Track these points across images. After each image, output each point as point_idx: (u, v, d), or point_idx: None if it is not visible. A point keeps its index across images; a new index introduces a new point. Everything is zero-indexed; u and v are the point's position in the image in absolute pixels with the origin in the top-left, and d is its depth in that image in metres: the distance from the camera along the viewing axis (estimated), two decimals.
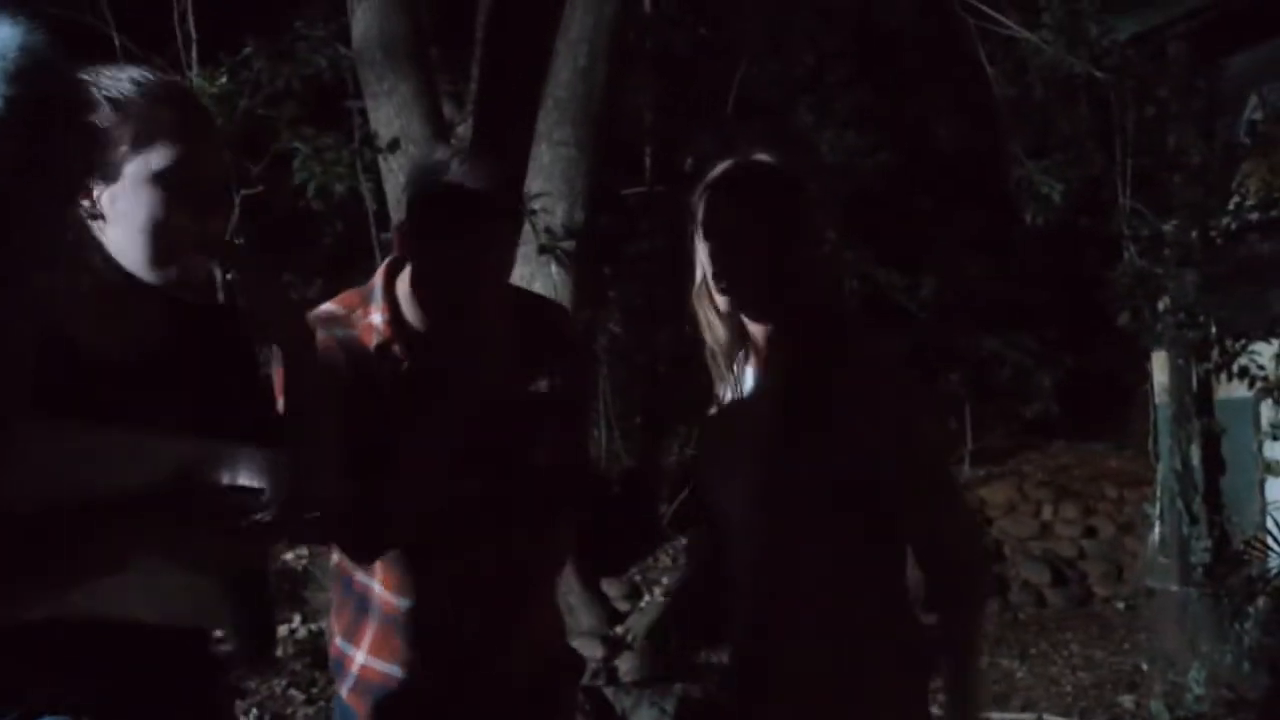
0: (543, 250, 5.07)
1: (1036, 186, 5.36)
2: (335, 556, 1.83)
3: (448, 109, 5.89)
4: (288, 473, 1.31)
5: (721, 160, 1.81)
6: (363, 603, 1.76)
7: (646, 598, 5.64)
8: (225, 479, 1.30)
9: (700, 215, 1.74)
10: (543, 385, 1.80)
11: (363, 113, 5.45)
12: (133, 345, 1.36)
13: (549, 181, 5.11)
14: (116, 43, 5.16)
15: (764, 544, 1.68)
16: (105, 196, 1.33)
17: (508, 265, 1.76)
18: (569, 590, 4.99)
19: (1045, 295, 8.17)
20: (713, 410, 1.82)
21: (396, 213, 4.99)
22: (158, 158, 1.33)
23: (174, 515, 1.26)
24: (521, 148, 5.30)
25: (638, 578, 5.61)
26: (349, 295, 1.77)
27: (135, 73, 1.36)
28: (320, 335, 1.66)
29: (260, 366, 1.53)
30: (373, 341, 1.71)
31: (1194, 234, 5.30)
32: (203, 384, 1.39)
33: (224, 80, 4.56)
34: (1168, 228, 5.27)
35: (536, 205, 5.10)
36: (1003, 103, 5.60)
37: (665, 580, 5.61)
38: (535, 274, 5.19)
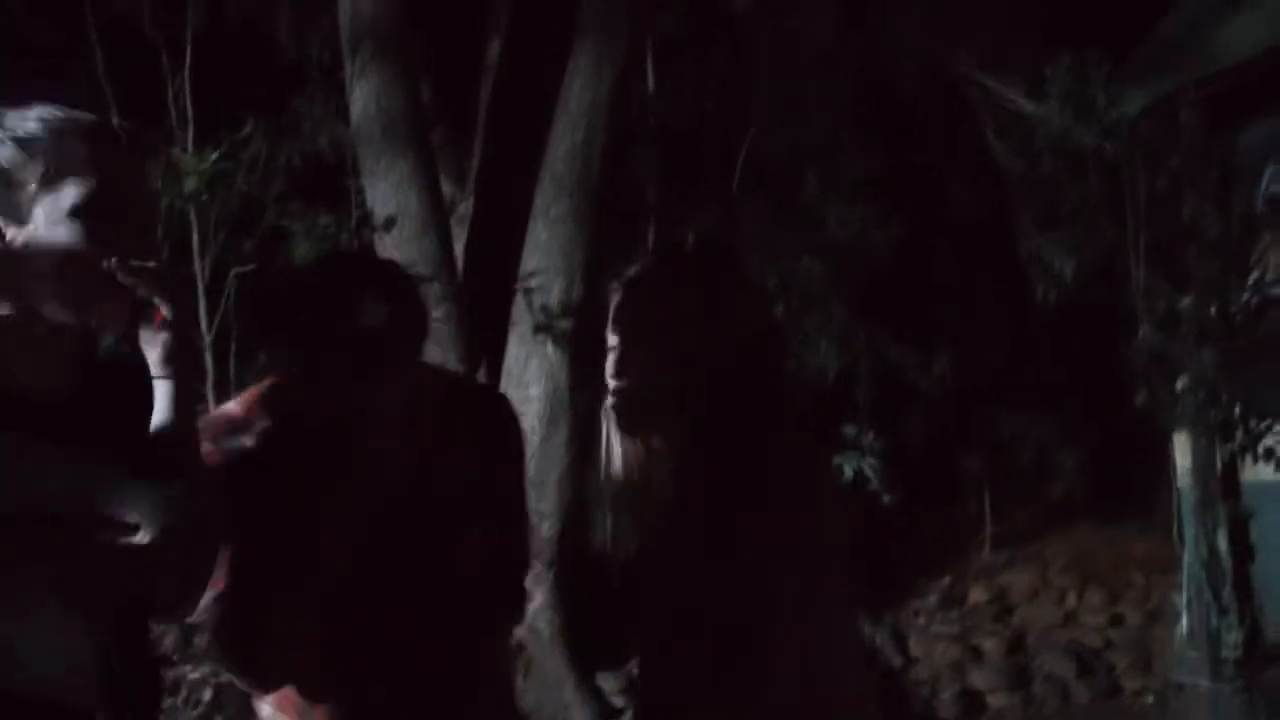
0: (538, 329, 4.97)
1: (1046, 261, 5.22)
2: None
3: (448, 187, 5.85)
4: (170, 510, 1.25)
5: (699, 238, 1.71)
6: None
7: None
8: (105, 508, 1.24)
9: (609, 313, 1.63)
10: (468, 477, 1.65)
11: (360, 191, 5.42)
12: (37, 390, 1.30)
13: (546, 258, 5.03)
14: (115, 121, 5.17)
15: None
16: (19, 239, 1.30)
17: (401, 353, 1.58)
18: (563, 684, 4.78)
19: (1065, 371, 7.98)
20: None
21: None
22: (69, 194, 1.30)
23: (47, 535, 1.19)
24: (521, 225, 5.24)
25: (635, 671, 5.36)
26: (246, 395, 1.68)
27: (43, 111, 1.34)
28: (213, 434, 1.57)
29: None
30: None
31: (1212, 309, 5.13)
32: (104, 436, 1.31)
33: (214, 158, 4.51)
34: (1185, 303, 5.10)
35: (533, 283, 5.02)
36: (1011, 175, 5.49)
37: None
38: (531, 354, 5.09)
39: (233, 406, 1.65)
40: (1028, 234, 5.44)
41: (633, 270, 1.64)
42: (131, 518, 1.25)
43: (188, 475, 1.33)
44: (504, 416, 1.77)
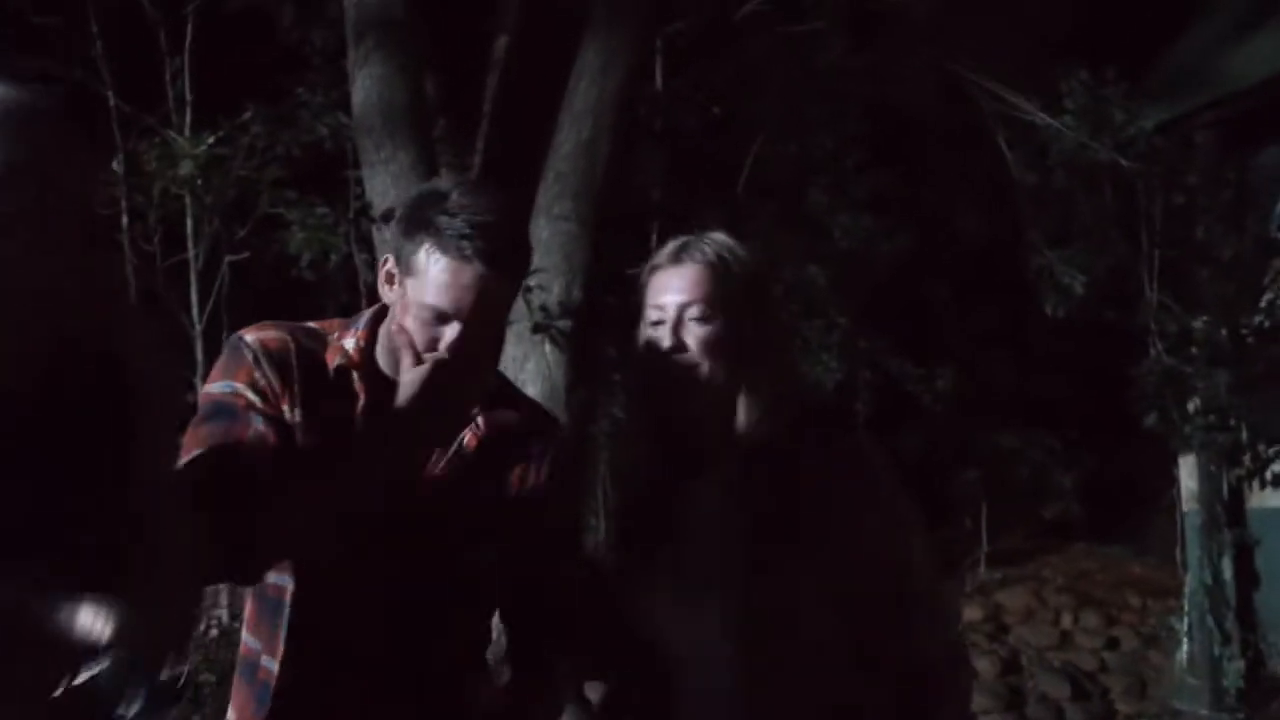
0: (537, 329, 4.86)
1: (1057, 276, 5.13)
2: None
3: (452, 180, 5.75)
4: (131, 626, 1.09)
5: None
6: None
7: None
8: (57, 625, 1.07)
9: (653, 295, 1.54)
10: (505, 482, 1.56)
11: (360, 182, 5.31)
12: None
13: (546, 257, 4.91)
14: (111, 103, 5.06)
15: (739, 679, 1.46)
16: None
17: (502, 324, 1.52)
18: None
19: (1066, 391, 7.90)
20: (644, 531, 1.57)
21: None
22: None
23: None
24: (523, 221, 5.14)
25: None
26: (333, 320, 1.60)
27: None
28: (274, 334, 1.52)
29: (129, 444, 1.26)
30: (334, 363, 1.52)
31: (1224, 331, 5.04)
32: (47, 475, 1.15)
33: (209, 143, 4.40)
34: (1197, 324, 5.02)
35: (533, 281, 4.90)
36: (1023, 189, 5.41)
37: None
38: (529, 353, 4.97)
39: (313, 323, 1.57)
40: (1037, 249, 5.35)
41: (664, 252, 1.56)
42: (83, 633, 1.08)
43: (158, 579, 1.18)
44: (559, 445, 1.67)
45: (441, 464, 1.53)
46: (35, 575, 1.09)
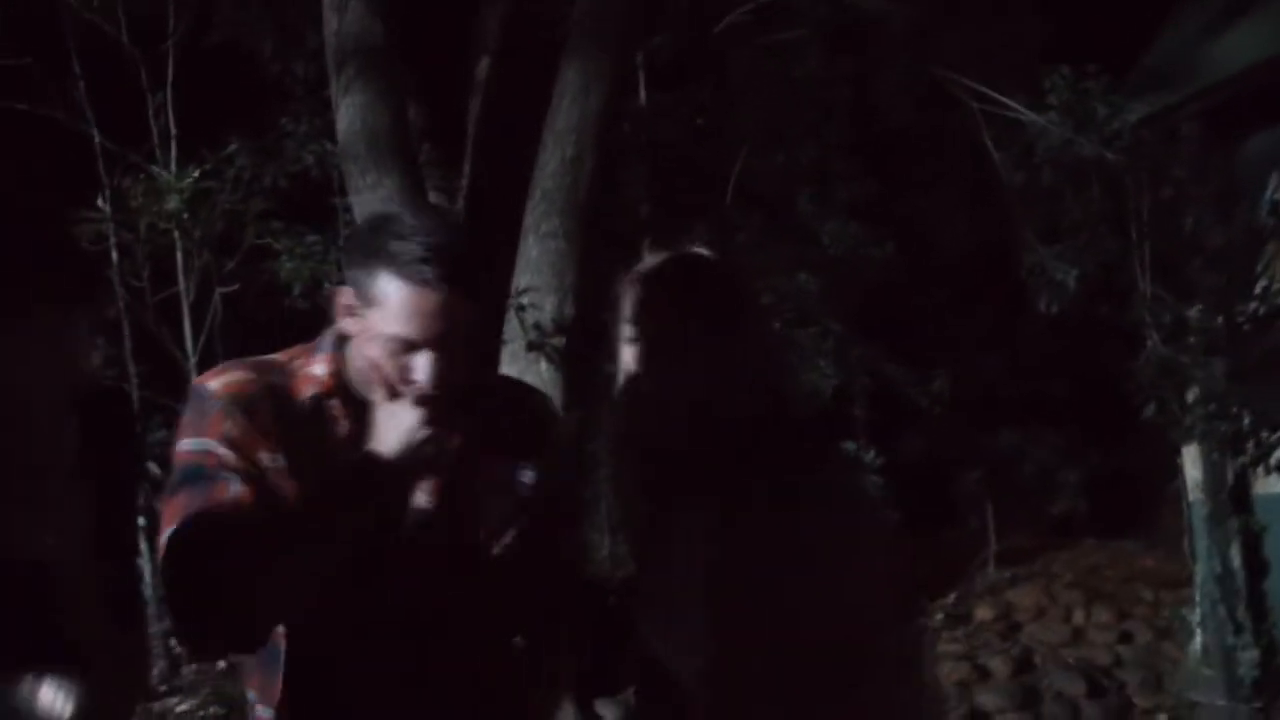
0: (531, 347, 4.85)
1: (1050, 273, 5.12)
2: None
3: (438, 203, 5.74)
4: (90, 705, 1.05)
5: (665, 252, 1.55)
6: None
7: None
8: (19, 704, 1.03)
9: (629, 311, 1.47)
10: (514, 478, 1.54)
11: (348, 209, 5.31)
12: None
13: (537, 275, 4.91)
14: (96, 141, 5.07)
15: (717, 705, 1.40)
16: None
17: (479, 330, 1.48)
18: (564, 712, 4.63)
19: (1064, 388, 7.89)
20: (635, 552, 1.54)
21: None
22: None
23: None
24: (511, 241, 5.13)
25: (633, 700, 5.23)
26: (293, 349, 1.53)
27: None
28: (237, 376, 1.45)
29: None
30: (307, 393, 1.47)
31: (1219, 320, 5.03)
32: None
33: (194, 177, 4.40)
34: (1192, 314, 5.00)
35: (525, 300, 4.90)
36: (1011, 188, 5.40)
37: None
38: (524, 372, 4.95)
39: (275, 355, 1.51)
40: (1029, 247, 5.34)
41: (644, 267, 1.50)
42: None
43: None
44: (545, 411, 1.66)
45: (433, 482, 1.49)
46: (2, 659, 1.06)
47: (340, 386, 1.47)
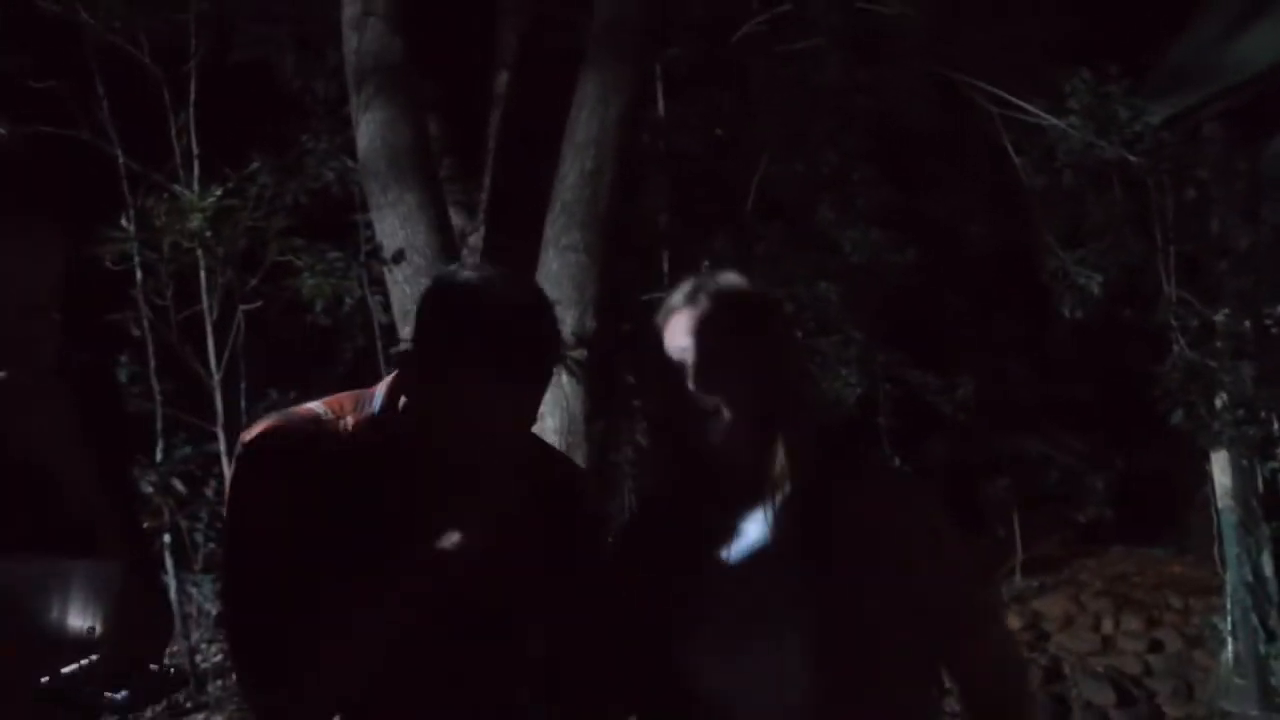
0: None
1: (1073, 278, 5.08)
2: None
3: (459, 219, 5.76)
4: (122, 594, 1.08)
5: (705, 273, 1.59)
6: None
7: None
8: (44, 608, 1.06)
9: (671, 337, 1.50)
10: (549, 553, 1.50)
11: (369, 225, 5.34)
12: None
13: (557, 288, 4.91)
14: (120, 161, 5.11)
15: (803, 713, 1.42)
16: None
17: (535, 410, 1.42)
18: None
19: (1090, 393, 7.82)
20: (679, 576, 1.53)
21: (404, 325, 4.81)
22: None
23: None
24: (531, 254, 5.14)
25: None
26: (342, 397, 1.49)
27: None
28: (280, 436, 1.40)
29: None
30: (353, 456, 1.43)
31: (1247, 323, 4.97)
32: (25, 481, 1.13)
33: (216, 196, 4.44)
34: (1219, 317, 4.95)
35: None
36: (1032, 192, 5.37)
37: None
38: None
39: (319, 407, 1.46)
40: (1051, 252, 5.30)
41: (681, 293, 1.53)
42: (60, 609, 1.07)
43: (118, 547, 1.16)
44: (591, 500, 1.67)
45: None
46: (34, 570, 1.08)
47: (391, 450, 1.42)
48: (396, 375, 1.45)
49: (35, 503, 1.13)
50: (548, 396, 4.99)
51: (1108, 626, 6.82)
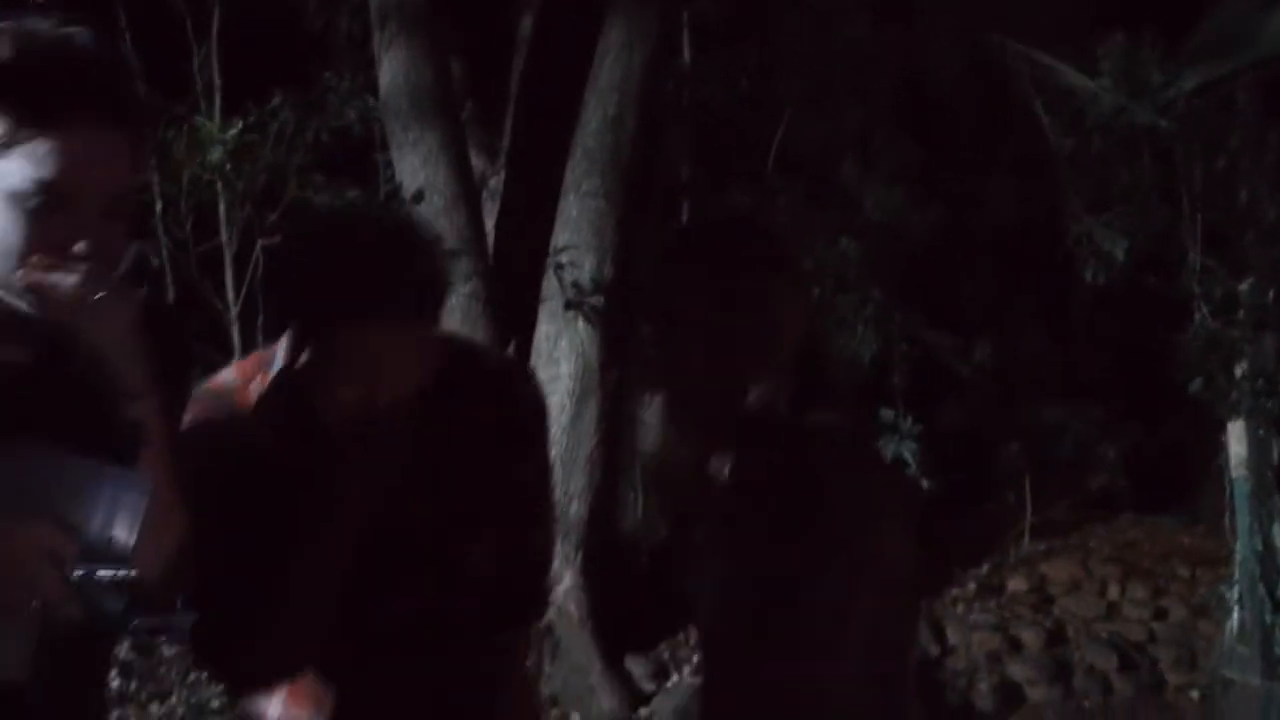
0: (569, 306, 4.86)
1: (1097, 243, 5.04)
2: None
3: (480, 161, 5.74)
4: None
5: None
6: None
7: (674, 677, 5.29)
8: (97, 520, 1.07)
9: (673, 275, 1.44)
10: (482, 466, 1.45)
11: (389, 165, 5.33)
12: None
13: (576, 234, 4.91)
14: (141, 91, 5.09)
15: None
16: None
17: (432, 348, 1.38)
18: (590, 668, 4.67)
19: (1109, 360, 7.77)
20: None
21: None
22: (38, 161, 1.08)
23: None
24: (553, 200, 5.13)
25: (665, 655, 5.25)
26: (248, 361, 1.49)
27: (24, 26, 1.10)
28: (202, 409, 1.39)
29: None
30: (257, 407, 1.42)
31: (1271, 295, 4.93)
32: (58, 420, 1.13)
33: (237, 129, 4.42)
34: (1243, 288, 4.91)
35: (564, 259, 4.90)
36: (1059, 155, 5.31)
37: (695, 658, 5.25)
38: (562, 331, 4.98)
39: (229, 376, 1.47)
40: (1076, 216, 5.25)
41: (683, 231, 1.50)
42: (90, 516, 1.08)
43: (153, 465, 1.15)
44: (525, 393, 1.56)
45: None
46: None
47: (294, 407, 1.40)
48: (289, 331, 1.41)
49: (94, 404, 1.14)
50: (563, 341, 5.01)
51: (1114, 593, 6.83)
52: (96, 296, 1.10)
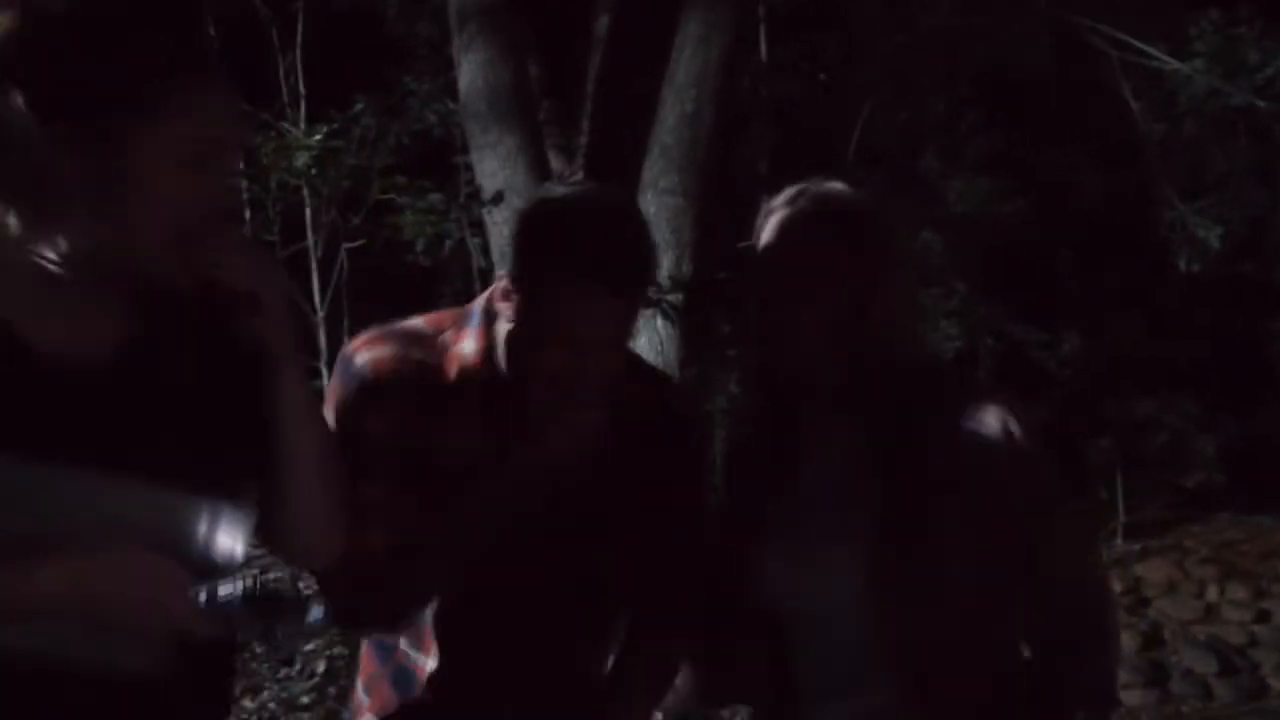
0: (648, 303, 4.85)
1: (1191, 230, 4.88)
2: None
3: (557, 161, 5.77)
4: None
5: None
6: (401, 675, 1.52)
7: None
8: (198, 537, 1.09)
9: (763, 237, 1.46)
10: (647, 470, 1.49)
11: (469, 167, 5.39)
12: (97, 345, 1.10)
13: (654, 232, 4.85)
14: None
15: (878, 629, 1.40)
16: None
17: (633, 322, 1.43)
18: None
19: (1204, 351, 7.52)
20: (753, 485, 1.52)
21: (501, 267, 4.86)
22: (199, 118, 1.06)
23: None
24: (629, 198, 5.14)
25: None
26: (441, 314, 1.51)
27: None
28: (387, 352, 1.43)
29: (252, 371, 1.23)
30: (454, 371, 1.45)
31: None
32: (184, 393, 1.14)
33: (322, 135, 4.52)
34: None
35: None
36: (1150, 140, 5.15)
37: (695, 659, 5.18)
38: (641, 329, 4.97)
39: (418, 322, 1.49)
40: (1168, 203, 5.09)
41: (783, 198, 1.48)
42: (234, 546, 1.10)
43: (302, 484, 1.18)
44: (693, 421, 1.67)
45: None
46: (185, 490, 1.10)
47: (489, 367, 1.44)
48: (493, 290, 1.46)
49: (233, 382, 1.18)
50: (642, 339, 5.01)
51: (1212, 594, 6.63)
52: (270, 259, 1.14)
